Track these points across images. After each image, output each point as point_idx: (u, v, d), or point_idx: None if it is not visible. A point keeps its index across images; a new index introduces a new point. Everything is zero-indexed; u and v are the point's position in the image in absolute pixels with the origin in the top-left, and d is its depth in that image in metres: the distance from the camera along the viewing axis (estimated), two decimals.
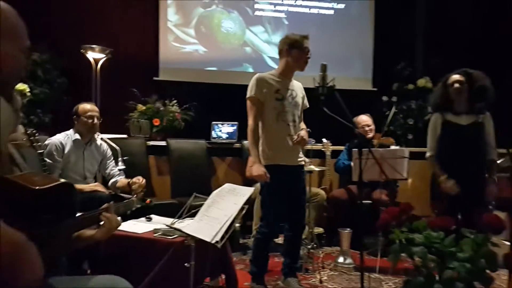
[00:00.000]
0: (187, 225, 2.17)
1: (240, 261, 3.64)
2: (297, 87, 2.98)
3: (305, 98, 3.04)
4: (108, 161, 3.37)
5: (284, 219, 3.00)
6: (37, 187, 1.17)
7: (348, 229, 3.42)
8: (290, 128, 2.86)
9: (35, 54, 4.28)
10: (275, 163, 2.81)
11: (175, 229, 2.21)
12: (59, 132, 3.24)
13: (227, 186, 2.27)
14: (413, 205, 1.91)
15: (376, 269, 3.29)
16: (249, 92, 2.84)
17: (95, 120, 3.21)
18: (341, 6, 5.66)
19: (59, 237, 1.32)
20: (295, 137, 2.83)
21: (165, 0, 5.23)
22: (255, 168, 2.77)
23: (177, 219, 2.24)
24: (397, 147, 3.86)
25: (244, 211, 2.11)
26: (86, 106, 3.23)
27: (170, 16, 5.26)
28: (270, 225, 2.89)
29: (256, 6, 5.48)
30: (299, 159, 2.97)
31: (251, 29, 5.47)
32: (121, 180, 3.27)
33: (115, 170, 3.34)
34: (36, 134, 2.81)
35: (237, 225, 4.02)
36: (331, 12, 5.64)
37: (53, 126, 4.33)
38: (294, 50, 2.84)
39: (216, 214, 2.13)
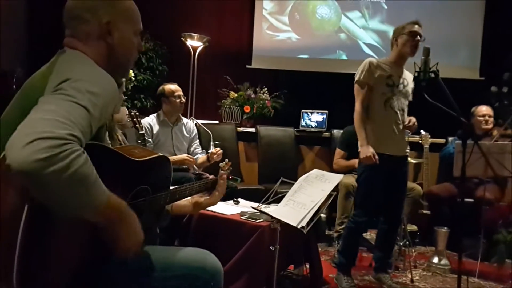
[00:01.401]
0: (274, 209, 2.16)
1: (325, 252, 3.57)
2: (409, 77, 2.86)
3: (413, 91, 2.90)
4: (194, 141, 3.54)
5: (380, 211, 2.88)
6: (136, 159, 1.22)
7: (445, 228, 3.17)
8: (398, 115, 2.75)
9: None
10: (379, 151, 2.69)
11: (262, 212, 2.21)
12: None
13: (315, 171, 2.22)
14: None
15: (475, 273, 3.02)
16: (358, 76, 2.76)
17: (182, 99, 3.39)
18: None
19: (154, 207, 1.37)
20: (407, 121, 2.76)
21: None
22: (363, 150, 2.68)
23: (262, 203, 2.25)
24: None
25: (331, 198, 2.05)
26: (171, 87, 3.40)
27: (265, 4, 5.28)
28: (366, 215, 2.78)
29: None
30: (405, 150, 2.85)
31: (347, 15, 5.27)
32: (202, 156, 3.45)
33: (199, 149, 3.52)
34: (139, 116, 3.01)
35: (323, 215, 3.95)
36: None
37: (154, 111, 4.61)
38: (401, 36, 2.74)
39: (302, 200, 2.09)
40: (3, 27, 4.45)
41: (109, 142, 1.31)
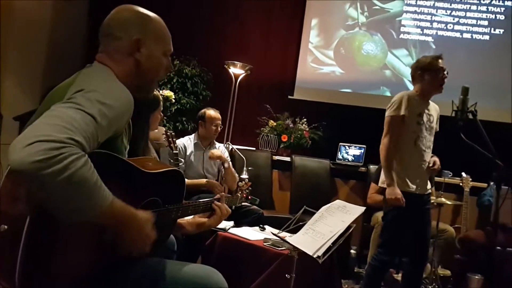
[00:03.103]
0: (293, 237, 2.16)
1: None
2: (434, 110, 2.82)
3: (437, 122, 2.84)
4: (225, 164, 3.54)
5: (406, 252, 2.80)
6: (147, 170, 1.26)
7: (479, 275, 3.01)
8: (425, 154, 2.72)
9: (186, 68, 4.77)
10: (406, 190, 2.65)
11: (280, 238, 2.21)
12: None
13: (337, 202, 2.21)
14: None
15: None
16: (395, 111, 2.69)
17: (218, 128, 3.50)
18: (499, 31, 5.10)
19: (164, 220, 1.39)
20: (431, 163, 2.71)
21: (310, 22, 5.38)
22: (390, 191, 2.63)
23: (283, 230, 2.25)
24: None
25: (351, 230, 2.02)
26: (212, 113, 3.50)
27: (312, 38, 5.37)
28: (390, 254, 2.72)
29: (402, 29, 5.27)
30: (428, 187, 2.79)
31: (393, 52, 5.27)
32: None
33: None
34: (174, 136, 3.13)
35: (353, 251, 3.86)
36: (487, 37, 5.12)
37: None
38: (428, 73, 2.70)
39: (322, 229, 2.08)
40: (65, 42, 4.82)
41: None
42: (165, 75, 1.46)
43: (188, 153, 3.48)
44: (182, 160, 3.43)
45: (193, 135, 3.57)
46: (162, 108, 2.63)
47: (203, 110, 3.57)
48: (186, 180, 3.40)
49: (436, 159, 2.75)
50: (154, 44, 1.32)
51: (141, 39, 1.28)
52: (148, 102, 2.22)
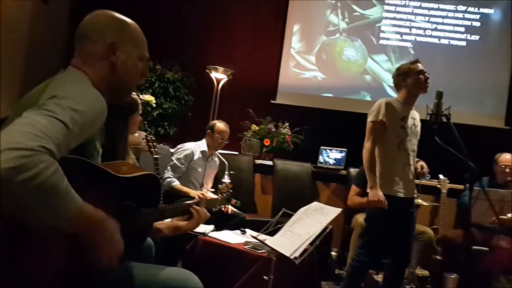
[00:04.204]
0: (271, 239, 2.19)
1: None
2: (417, 116, 2.90)
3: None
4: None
5: (388, 253, 2.85)
6: (120, 175, 1.24)
7: (455, 274, 3.07)
8: (410, 157, 2.77)
9: (168, 73, 4.78)
10: (389, 193, 2.69)
11: (258, 240, 2.24)
12: (183, 143, 3.65)
13: (314, 204, 2.25)
14: None
15: None
16: (375, 116, 2.76)
17: (224, 142, 3.62)
18: (476, 37, 5.24)
19: (140, 224, 1.38)
20: (419, 168, 2.78)
21: (292, 27, 5.44)
22: (373, 194, 2.67)
23: (262, 233, 2.28)
24: None
25: (327, 231, 2.06)
26: (221, 127, 3.62)
27: (294, 43, 5.44)
28: (371, 255, 2.76)
29: (381, 35, 5.37)
30: (414, 191, 2.84)
31: (373, 58, 5.36)
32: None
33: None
34: (154, 141, 3.13)
35: (334, 253, 3.90)
36: (463, 43, 5.25)
37: (177, 139, 4.77)
38: (410, 77, 2.78)
39: (299, 231, 2.11)
40: (44, 45, 4.78)
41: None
42: (141, 81, 1.45)
43: (195, 159, 3.57)
44: (185, 163, 3.53)
45: (201, 142, 3.66)
46: (141, 112, 2.63)
47: (213, 122, 3.70)
48: (181, 187, 3.42)
49: (423, 163, 2.80)
50: (130, 48, 1.32)
51: (117, 43, 1.29)
52: (126, 105, 2.23)
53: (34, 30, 4.62)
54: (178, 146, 3.65)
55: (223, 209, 2.88)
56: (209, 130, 3.63)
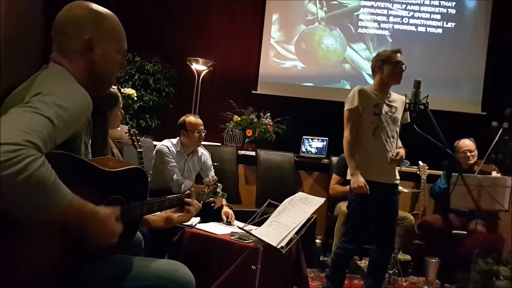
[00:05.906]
0: (257, 229, 2.22)
1: (317, 277, 3.58)
2: (399, 101, 2.90)
3: (407, 113, 2.93)
4: (208, 172, 3.46)
5: (372, 239, 2.91)
6: (107, 169, 1.26)
7: (436, 258, 3.17)
8: (388, 143, 2.80)
9: (148, 65, 4.72)
10: (369, 179, 2.73)
11: (245, 231, 2.26)
12: (163, 136, 3.49)
13: (299, 194, 2.28)
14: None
15: None
16: (350, 104, 2.80)
17: (202, 134, 3.32)
18: (451, 25, 5.34)
19: (129, 217, 1.38)
20: (394, 154, 2.77)
21: (271, 17, 5.43)
22: (354, 179, 2.72)
23: (248, 224, 2.30)
24: (499, 175, 3.49)
25: (312, 220, 2.10)
26: (193, 120, 3.29)
27: (273, 33, 5.44)
28: (354, 242, 2.81)
29: (359, 23, 5.42)
30: (395, 178, 2.87)
31: (352, 46, 5.41)
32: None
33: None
34: (137, 134, 3.10)
35: (318, 241, 3.97)
36: (440, 31, 5.35)
37: (158, 131, 4.74)
38: (387, 65, 2.80)
39: (285, 221, 2.14)
40: (18, 38, 4.65)
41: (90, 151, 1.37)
42: (120, 73, 1.44)
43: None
44: (174, 161, 3.28)
45: (174, 140, 3.35)
46: (122, 105, 2.60)
47: (182, 118, 3.34)
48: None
49: (400, 150, 2.82)
50: (107, 42, 1.32)
51: (94, 38, 1.28)
52: (106, 99, 2.21)
53: (8, 23, 4.49)
54: (158, 153, 3.29)
55: (211, 204, 2.84)
56: (182, 130, 3.29)
